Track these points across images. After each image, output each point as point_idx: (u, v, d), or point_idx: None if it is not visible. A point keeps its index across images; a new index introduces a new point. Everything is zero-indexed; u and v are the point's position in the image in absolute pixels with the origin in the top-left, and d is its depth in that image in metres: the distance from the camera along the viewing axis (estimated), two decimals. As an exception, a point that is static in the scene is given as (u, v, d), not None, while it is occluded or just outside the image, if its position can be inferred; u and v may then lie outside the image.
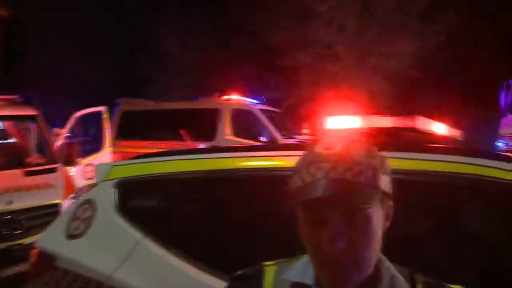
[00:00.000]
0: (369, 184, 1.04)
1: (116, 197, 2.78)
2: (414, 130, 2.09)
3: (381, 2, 18.48)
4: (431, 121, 2.31)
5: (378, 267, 1.12)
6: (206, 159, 2.67)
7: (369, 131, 2.14)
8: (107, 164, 3.17)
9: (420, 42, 18.12)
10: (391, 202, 1.15)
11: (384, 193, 1.10)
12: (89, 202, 2.83)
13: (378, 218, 1.09)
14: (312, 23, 18.56)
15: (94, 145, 10.43)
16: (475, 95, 18.30)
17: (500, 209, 1.98)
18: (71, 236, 2.75)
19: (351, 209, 1.03)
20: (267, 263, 1.30)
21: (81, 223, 2.76)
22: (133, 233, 2.57)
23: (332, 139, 1.13)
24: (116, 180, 2.87)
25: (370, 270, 1.08)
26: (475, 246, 2.03)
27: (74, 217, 2.84)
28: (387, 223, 1.14)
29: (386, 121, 2.09)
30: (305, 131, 12.18)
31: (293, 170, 1.12)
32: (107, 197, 2.78)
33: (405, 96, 19.08)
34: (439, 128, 2.43)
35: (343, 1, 18.54)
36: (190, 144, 10.87)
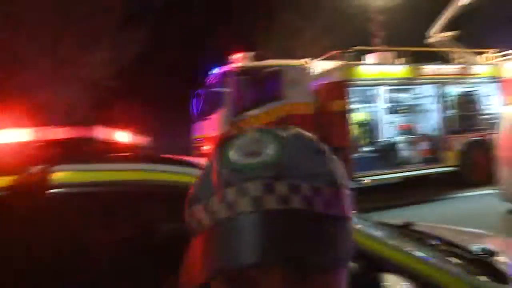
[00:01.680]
0: (336, 213, 0.62)
1: None
2: (92, 140, 2.05)
3: (77, 8, 18.05)
4: (113, 130, 2.30)
5: None
6: None
7: (43, 143, 2.00)
8: None
9: (115, 52, 18.41)
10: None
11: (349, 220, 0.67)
12: None
13: (346, 271, 0.66)
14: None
15: None
16: (172, 103, 19.50)
17: (175, 209, 2.09)
18: None
19: (306, 271, 0.59)
20: None
21: None
22: None
23: (247, 134, 0.66)
24: None
25: None
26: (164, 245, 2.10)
27: None
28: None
29: (62, 132, 1.99)
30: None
31: (189, 198, 0.67)
32: None
33: (102, 106, 19.07)
34: (123, 136, 2.45)
35: (33, 4, 17.37)
36: None
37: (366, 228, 2.15)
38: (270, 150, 0.62)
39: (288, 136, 0.66)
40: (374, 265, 1.86)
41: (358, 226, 2.08)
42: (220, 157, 0.64)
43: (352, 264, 1.84)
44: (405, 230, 2.80)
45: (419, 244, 2.35)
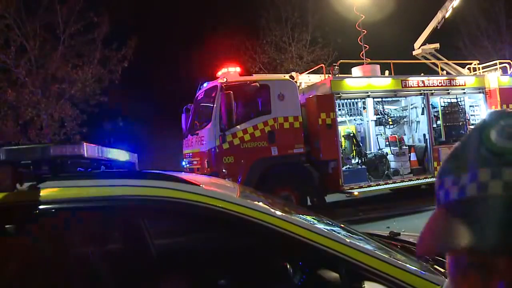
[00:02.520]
0: None
1: None
2: (81, 157, 2.08)
3: (66, 26, 18.12)
4: (100, 147, 2.33)
5: None
6: None
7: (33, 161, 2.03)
8: None
9: (104, 68, 18.49)
10: None
11: None
12: None
13: None
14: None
15: None
16: (161, 118, 19.54)
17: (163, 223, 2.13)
18: None
19: None
20: None
21: None
22: None
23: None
24: None
25: None
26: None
27: None
28: None
29: (52, 149, 2.01)
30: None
31: (441, 167, 0.66)
32: None
33: (91, 122, 19.06)
34: (111, 153, 2.48)
35: (23, 21, 17.43)
36: None
37: (351, 238, 2.19)
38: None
39: None
40: (355, 274, 1.90)
41: (342, 236, 2.12)
42: (481, 135, 0.61)
43: (333, 274, 1.88)
44: (391, 240, 2.85)
45: (404, 254, 2.39)
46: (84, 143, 2.05)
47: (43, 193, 1.88)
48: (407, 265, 2.00)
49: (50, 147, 1.97)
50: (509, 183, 0.56)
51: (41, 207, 1.86)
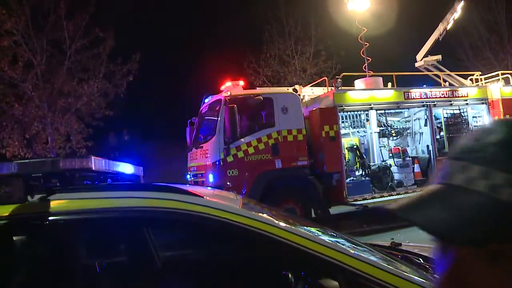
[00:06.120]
0: None
1: None
2: (89, 170, 2.15)
3: (72, 41, 18.34)
4: (107, 160, 2.40)
5: None
6: None
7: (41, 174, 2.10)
8: None
9: (109, 83, 18.67)
10: None
11: None
12: None
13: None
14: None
15: None
16: (166, 132, 19.62)
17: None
18: None
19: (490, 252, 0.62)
20: None
21: None
22: None
23: (486, 125, 0.73)
24: None
25: None
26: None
27: None
28: None
29: (60, 163, 2.08)
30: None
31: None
32: None
33: (97, 136, 19.17)
34: (118, 166, 2.55)
35: (30, 37, 17.65)
36: None
37: (354, 249, 2.24)
38: (487, 139, 0.67)
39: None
40: (358, 284, 1.95)
41: (346, 246, 2.18)
42: (462, 138, 0.74)
43: (333, 282, 1.93)
44: (392, 251, 2.89)
45: (405, 264, 2.43)
46: (92, 157, 2.12)
47: (53, 204, 1.96)
48: (412, 276, 2.04)
49: (59, 161, 2.05)
50: (450, 172, 0.68)
51: (51, 218, 1.94)
